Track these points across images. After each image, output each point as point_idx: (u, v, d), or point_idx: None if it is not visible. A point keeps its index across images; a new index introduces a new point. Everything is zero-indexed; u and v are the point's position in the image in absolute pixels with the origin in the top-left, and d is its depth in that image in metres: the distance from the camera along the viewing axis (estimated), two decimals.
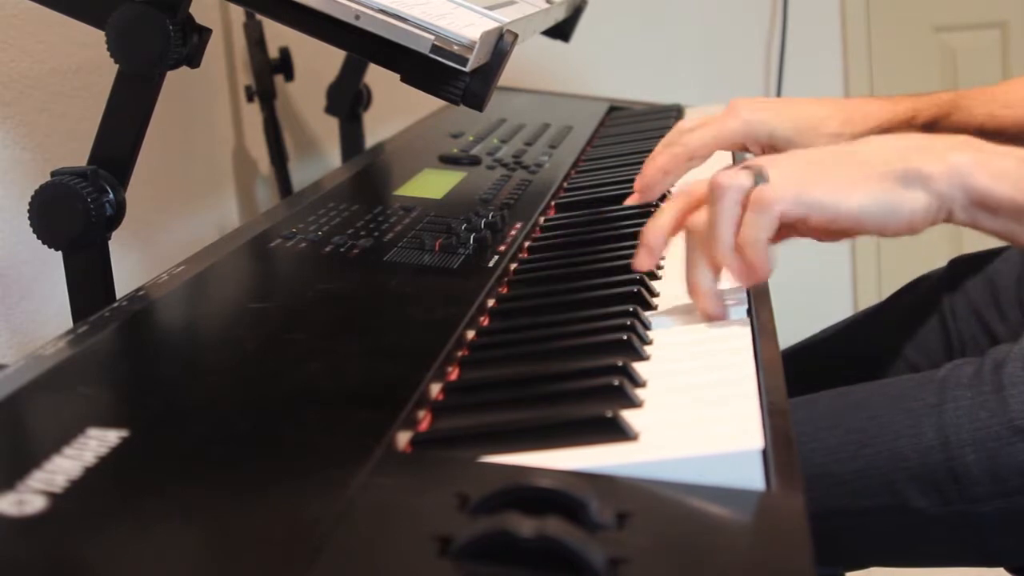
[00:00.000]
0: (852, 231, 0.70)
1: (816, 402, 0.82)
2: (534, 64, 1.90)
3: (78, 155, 0.89)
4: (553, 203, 1.08)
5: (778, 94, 2.05)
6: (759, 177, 0.69)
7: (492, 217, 0.95)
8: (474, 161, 1.19)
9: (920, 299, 1.03)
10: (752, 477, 0.52)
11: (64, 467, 0.51)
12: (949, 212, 0.68)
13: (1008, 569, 0.83)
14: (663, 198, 1.02)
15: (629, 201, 0.97)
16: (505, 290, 0.84)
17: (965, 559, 0.78)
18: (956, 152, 0.68)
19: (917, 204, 0.68)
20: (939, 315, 1.01)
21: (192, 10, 0.85)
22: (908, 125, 0.98)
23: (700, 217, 0.72)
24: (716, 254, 0.69)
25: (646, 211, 0.97)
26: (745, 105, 0.98)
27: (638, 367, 0.64)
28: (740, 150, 0.99)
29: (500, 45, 0.83)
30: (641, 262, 0.76)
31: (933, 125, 0.98)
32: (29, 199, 0.84)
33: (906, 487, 0.74)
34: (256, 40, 1.54)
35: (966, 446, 0.73)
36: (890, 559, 0.82)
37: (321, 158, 1.82)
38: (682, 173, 0.96)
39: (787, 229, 0.71)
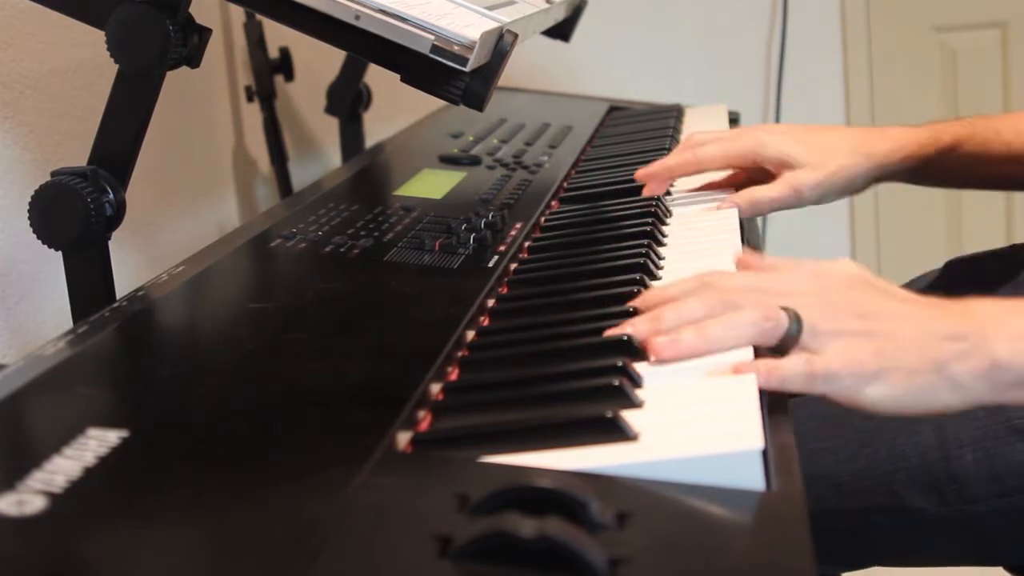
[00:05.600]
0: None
1: (816, 402, 0.82)
2: (534, 64, 1.90)
3: (78, 155, 0.89)
4: (554, 201, 1.08)
5: (778, 94, 2.06)
6: (794, 324, 0.64)
7: (492, 217, 0.95)
8: (474, 161, 1.19)
9: None
10: (752, 477, 0.52)
11: (64, 467, 0.51)
12: (971, 403, 0.64)
13: (1007, 568, 0.83)
14: (663, 207, 1.02)
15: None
16: (505, 290, 0.84)
17: (963, 558, 0.78)
18: (995, 343, 0.63)
19: (937, 403, 0.63)
20: None
21: (192, 10, 0.85)
22: (929, 148, 1.00)
23: (727, 295, 0.67)
24: (695, 340, 0.64)
25: (646, 211, 0.97)
26: (762, 127, 1.01)
27: (638, 367, 0.64)
28: (749, 167, 1.01)
29: (500, 45, 0.83)
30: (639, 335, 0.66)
31: (956, 147, 0.99)
32: (29, 199, 0.84)
33: (905, 487, 0.74)
34: (256, 40, 1.54)
35: (964, 446, 0.73)
36: (889, 559, 0.82)
37: (321, 158, 1.82)
38: (687, 175, 1.01)
39: None
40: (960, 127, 1.00)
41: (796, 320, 0.64)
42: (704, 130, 1.06)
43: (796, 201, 0.97)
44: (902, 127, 1.02)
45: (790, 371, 0.62)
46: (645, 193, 1.01)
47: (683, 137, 1.34)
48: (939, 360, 0.63)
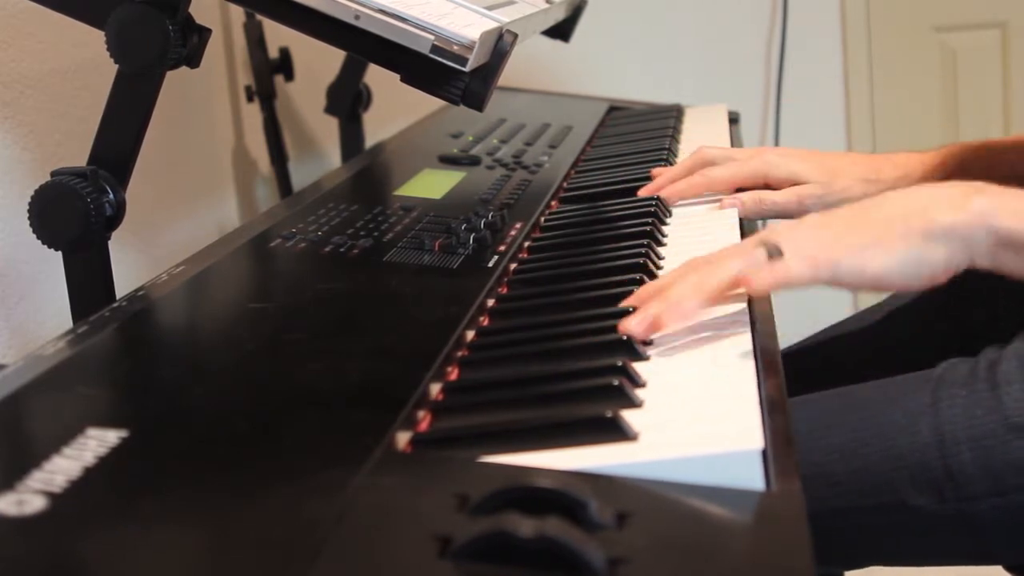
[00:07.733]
0: (877, 290, 0.71)
1: (815, 402, 0.82)
2: (534, 64, 1.91)
3: (78, 155, 0.89)
4: (554, 202, 1.08)
5: (778, 94, 2.06)
6: (773, 251, 0.69)
7: (492, 217, 0.95)
8: (474, 161, 1.19)
9: (918, 299, 1.03)
10: (752, 477, 0.52)
11: (64, 467, 0.51)
12: (971, 258, 0.69)
13: (1006, 567, 0.83)
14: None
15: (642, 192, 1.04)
16: (505, 290, 0.84)
17: (962, 557, 0.78)
18: (976, 197, 0.69)
19: (938, 258, 0.69)
20: (936, 314, 1.01)
21: (192, 10, 0.85)
22: (935, 174, 1.01)
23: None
24: (691, 290, 0.69)
25: (646, 211, 0.97)
26: (772, 150, 1.06)
27: (638, 367, 0.64)
28: (759, 186, 1.02)
29: (500, 45, 0.83)
30: (637, 328, 0.69)
31: (961, 172, 1.00)
32: (29, 199, 0.84)
33: (903, 486, 0.74)
34: (256, 40, 1.54)
35: (961, 444, 0.73)
36: (889, 558, 0.82)
37: (321, 158, 1.82)
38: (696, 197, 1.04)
39: None
40: (965, 152, 1.01)
41: (777, 249, 0.69)
42: (715, 146, 1.07)
43: (798, 210, 0.99)
44: (909, 153, 1.04)
45: (795, 270, 0.68)
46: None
47: (683, 138, 1.34)
48: (927, 216, 0.68)
